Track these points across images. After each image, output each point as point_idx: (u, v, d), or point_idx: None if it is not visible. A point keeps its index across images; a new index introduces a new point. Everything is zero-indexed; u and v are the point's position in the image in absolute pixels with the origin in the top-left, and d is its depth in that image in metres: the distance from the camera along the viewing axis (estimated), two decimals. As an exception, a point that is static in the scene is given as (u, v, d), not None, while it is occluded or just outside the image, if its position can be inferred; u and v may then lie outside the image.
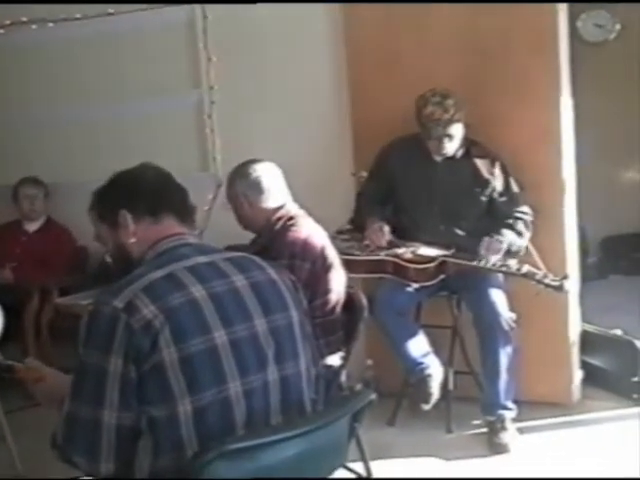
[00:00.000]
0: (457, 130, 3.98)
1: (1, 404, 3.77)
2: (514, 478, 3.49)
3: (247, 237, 3.54)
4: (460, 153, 4.08)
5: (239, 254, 2.17)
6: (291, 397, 2.04)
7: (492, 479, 3.49)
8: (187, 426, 1.87)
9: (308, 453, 1.95)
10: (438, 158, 4.09)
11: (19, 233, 5.42)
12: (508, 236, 3.95)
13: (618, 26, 6.15)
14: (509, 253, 3.94)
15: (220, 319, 1.94)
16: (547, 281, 3.74)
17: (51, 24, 5.11)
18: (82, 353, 1.90)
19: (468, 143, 4.08)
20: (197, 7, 4.88)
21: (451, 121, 3.93)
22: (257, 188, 3.38)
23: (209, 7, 4.85)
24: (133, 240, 2.12)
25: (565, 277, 3.78)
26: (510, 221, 4.02)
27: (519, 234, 3.99)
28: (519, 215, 4.04)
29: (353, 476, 3.27)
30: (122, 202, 2.13)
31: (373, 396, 2.11)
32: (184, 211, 2.17)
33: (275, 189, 3.40)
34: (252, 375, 1.96)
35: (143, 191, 2.14)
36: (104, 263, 2.28)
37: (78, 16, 5.04)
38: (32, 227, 5.44)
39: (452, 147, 4.02)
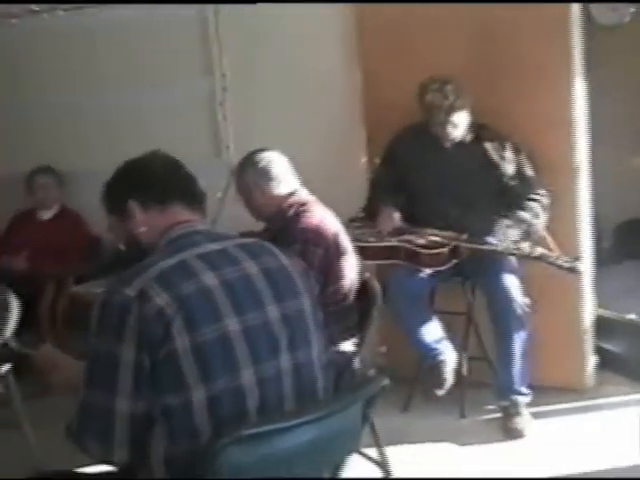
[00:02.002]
0: (460, 117, 3.97)
1: (18, 392, 3.79)
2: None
3: (260, 225, 3.55)
4: (469, 138, 4.07)
5: (250, 240, 2.17)
6: (304, 384, 2.04)
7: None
8: (201, 414, 1.87)
9: (322, 439, 1.96)
10: (447, 144, 4.08)
11: (33, 222, 5.43)
12: (525, 218, 3.94)
13: (632, 9, 6.10)
14: (526, 235, 3.93)
15: (232, 306, 1.93)
16: (560, 262, 3.73)
17: (62, 12, 5.11)
18: (95, 342, 1.91)
19: (477, 127, 4.07)
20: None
21: (452, 108, 3.92)
22: (267, 175, 3.39)
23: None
24: (143, 229, 2.12)
25: (577, 258, 3.79)
26: (525, 203, 4.01)
27: (535, 216, 3.97)
28: (534, 197, 4.03)
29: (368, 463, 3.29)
30: (129, 192, 2.13)
31: (386, 382, 2.11)
32: (193, 198, 2.17)
33: (285, 176, 3.41)
34: (265, 363, 1.96)
35: (150, 180, 2.14)
36: (118, 251, 2.29)
37: (92, 4, 5.04)
38: (46, 216, 5.45)
39: (457, 133, 4.02)
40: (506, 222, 3.93)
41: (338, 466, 2.17)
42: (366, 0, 4.49)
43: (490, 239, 3.89)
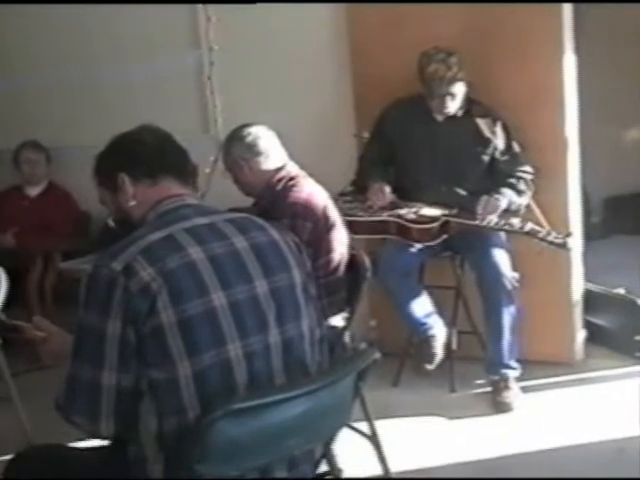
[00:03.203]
0: (460, 89, 3.96)
1: (7, 367, 3.79)
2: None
3: (250, 199, 3.53)
4: (461, 112, 4.07)
5: (240, 215, 2.15)
6: (293, 359, 2.03)
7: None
8: (188, 388, 1.87)
9: (313, 412, 1.96)
10: (439, 118, 4.08)
11: (20, 198, 5.40)
12: (507, 195, 3.96)
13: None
14: (509, 212, 3.94)
15: (219, 281, 1.92)
16: (550, 238, 3.73)
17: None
18: (81, 315, 1.90)
19: (469, 102, 4.06)
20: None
21: (454, 79, 3.91)
22: (254, 150, 3.37)
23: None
24: (133, 203, 2.11)
25: (568, 234, 3.79)
26: (511, 180, 4.02)
27: (519, 193, 3.99)
28: (520, 174, 4.04)
29: (358, 437, 3.30)
30: (120, 165, 2.12)
31: (377, 355, 2.11)
32: (184, 172, 2.16)
33: (273, 150, 3.39)
34: (252, 337, 1.95)
35: (140, 153, 2.13)
36: (106, 227, 2.27)
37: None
38: (33, 192, 5.42)
39: (454, 106, 4.01)
40: (486, 198, 3.92)
41: (329, 439, 2.18)
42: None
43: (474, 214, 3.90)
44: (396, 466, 3.38)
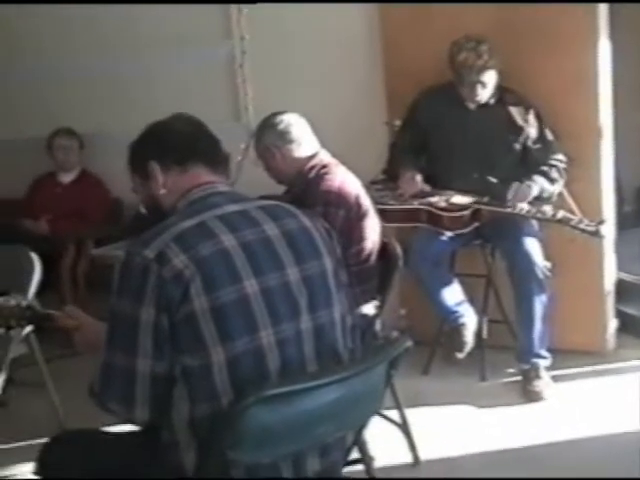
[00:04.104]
0: (490, 77, 3.95)
1: (41, 353, 3.83)
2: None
3: (281, 187, 3.54)
4: (493, 100, 4.05)
5: (271, 202, 2.15)
6: (325, 346, 2.03)
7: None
8: (221, 375, 1.88)
9: (345, 399, 1.97)
10: (471, 105, 4.06)
11: (54, 184, 5.46)
12: (539, 182, 3.94)
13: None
14: (540, 200, 3.92)
15: (251, 268, 1.93)
16: (582, 226, 3.71)
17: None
18: (114, 303, 1.91)
19: (501, 90, 4.04)
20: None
21: (485, 67, 3.90)
22: (287, 137, 3.36)
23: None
24: (163, 191, 2.11)
25: (601, 222, 3.76)
26: (544, 168, 4.00)
27: (551, 181, 3.97)
28: (553, 162, 4.02)
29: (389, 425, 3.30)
30: (150, 153, 2.12)
31: (409, 343, 2.10)
32: (215, 160, 2.16)
33: (305, 137, 3.39)
34: (285, 324, 1.96)
35: (170, 141, 2.13)
36: (138, 214, 2.28)
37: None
38: (67, 178, 5.47)
39: (485, 94, 3.99)
40: (517, 184, 3.90)
41: (361, 427, 2.18)
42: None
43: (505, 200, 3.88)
44: (425, 454, 3.40)
